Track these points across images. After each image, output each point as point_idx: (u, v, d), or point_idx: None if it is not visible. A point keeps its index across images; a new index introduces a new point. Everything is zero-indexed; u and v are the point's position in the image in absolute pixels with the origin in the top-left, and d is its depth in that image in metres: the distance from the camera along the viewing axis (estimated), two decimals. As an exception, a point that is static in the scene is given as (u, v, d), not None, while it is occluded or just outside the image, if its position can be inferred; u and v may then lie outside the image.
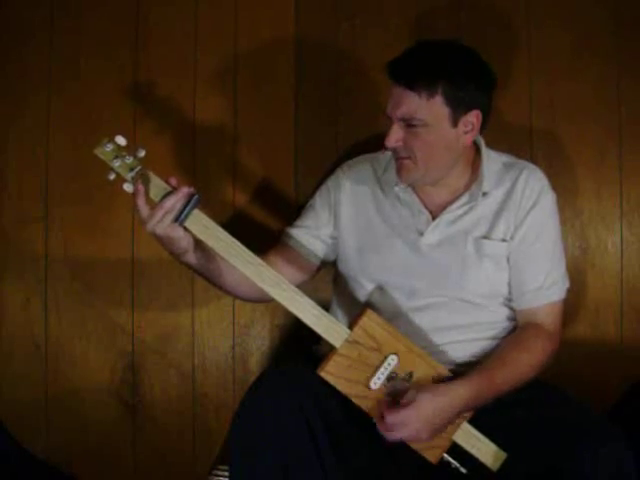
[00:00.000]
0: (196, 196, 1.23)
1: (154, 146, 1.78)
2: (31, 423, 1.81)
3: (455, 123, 1.31)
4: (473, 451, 1.30)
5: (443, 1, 1.75)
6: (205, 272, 1.38)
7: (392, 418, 1.22)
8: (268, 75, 1.79)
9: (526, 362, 1.32)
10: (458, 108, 1.30)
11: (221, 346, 1.81)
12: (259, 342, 1.81)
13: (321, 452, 1.22)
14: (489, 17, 1.75)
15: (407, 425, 1.21)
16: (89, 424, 1.81)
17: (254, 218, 1.79)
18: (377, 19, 1.76)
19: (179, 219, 1.22)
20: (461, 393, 1.25)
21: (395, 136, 1.32)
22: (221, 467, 1.52)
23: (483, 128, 1.37)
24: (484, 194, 1.39)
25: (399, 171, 1.36)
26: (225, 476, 1.51)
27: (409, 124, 1.30)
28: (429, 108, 1.28)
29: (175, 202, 1.21)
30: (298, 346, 1.81)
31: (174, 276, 1.78)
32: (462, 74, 1.30)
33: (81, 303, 1.80)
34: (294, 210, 1.71)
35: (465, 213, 1.39)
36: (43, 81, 1.79)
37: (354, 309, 1.44)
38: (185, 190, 1.22)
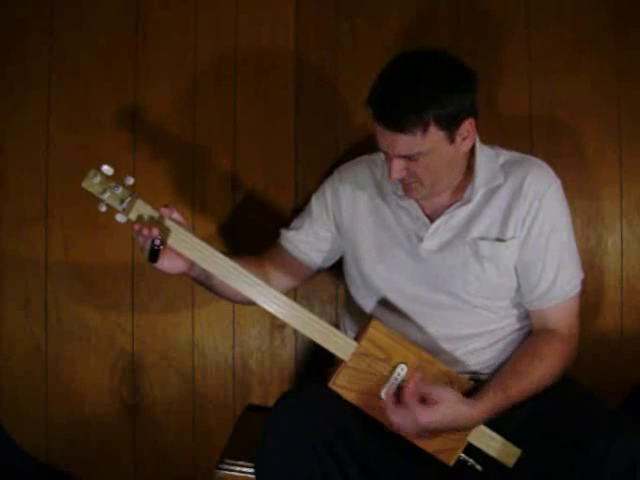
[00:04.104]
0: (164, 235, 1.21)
1: (154, 144, 1.79)
2: (31, 423, 1.81)
3: (452, 140, 1.29)
4: (489, 450, 1.30)
5: None
6: (208, 286, 1.39)
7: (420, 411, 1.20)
8: (268, 76, 1.79)
9: (540, 370, 1.30)
10: (452, 126, 1.27)
11: (221, 346, 1.81)
12: (259, 342, 1.81)
13: (349, 476, 1.22)
14: (489, 13, 1.75)
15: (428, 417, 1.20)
16: (89, 424, 1.81)
17: (254, 219, 1.79)
18: (377, 19, 1.76)
19: (157, 247, 1.20)
20: (474, 412, 1.23)
21: (397, 169, 1.30)
22: (227, 461, 1.52)
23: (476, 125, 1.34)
24: (487, 192, 1.37)
25: (406, 192, 1.36)
26: (231, 470, 1.51)
27: (409, 158, 1.29)
28: (426, 141, 1.26)
29: (146, 239, 1.21)
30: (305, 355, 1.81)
31: (174, 276, 1.77)
32: (446, 91, 1.25)
33: (81, 303, 1.80)
34: (294, 211, 1.71)
35: (465, 215, 1.38)
36: (43, 81, 1.79)
37: (362, 318, 1.44)
38: (154, 233, 1.19)
